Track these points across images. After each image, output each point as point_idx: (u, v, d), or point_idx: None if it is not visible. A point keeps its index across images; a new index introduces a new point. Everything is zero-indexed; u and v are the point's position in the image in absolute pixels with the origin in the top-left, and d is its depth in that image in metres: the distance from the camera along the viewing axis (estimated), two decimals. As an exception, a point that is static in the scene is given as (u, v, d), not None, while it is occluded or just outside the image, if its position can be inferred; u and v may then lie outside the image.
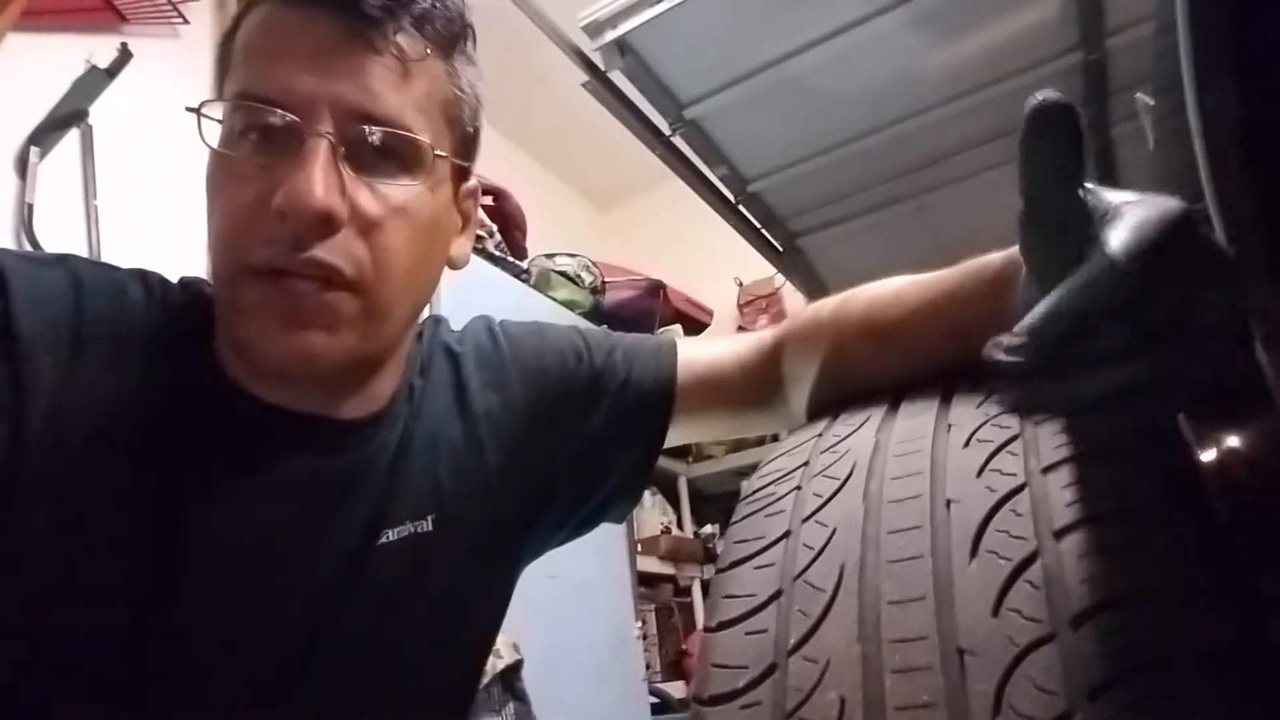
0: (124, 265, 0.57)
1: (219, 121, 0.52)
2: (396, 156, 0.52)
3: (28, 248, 1.59)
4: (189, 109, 0.52)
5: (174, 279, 0.59)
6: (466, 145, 0.59)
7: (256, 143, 0.50)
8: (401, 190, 0.52)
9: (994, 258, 0.47)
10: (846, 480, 0.39)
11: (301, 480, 0.54)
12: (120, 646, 0.48)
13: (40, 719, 0.48)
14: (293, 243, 0.48)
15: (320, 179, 0.47)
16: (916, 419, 0.42)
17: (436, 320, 0.69)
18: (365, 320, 0.51)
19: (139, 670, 0.49)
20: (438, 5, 0.53)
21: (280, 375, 0.52)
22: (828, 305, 0.58)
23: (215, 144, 0.51)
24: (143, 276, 0.56)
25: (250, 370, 0.54)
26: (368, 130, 0.50)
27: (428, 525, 0.59)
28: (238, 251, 0.49)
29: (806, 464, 0.42)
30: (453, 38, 0.55)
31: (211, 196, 0.52)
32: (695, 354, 0.69)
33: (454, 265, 0.60)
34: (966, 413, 0.40)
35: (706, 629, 0.37)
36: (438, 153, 0.54)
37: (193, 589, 0.50)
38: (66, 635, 0.48)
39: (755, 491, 0.43)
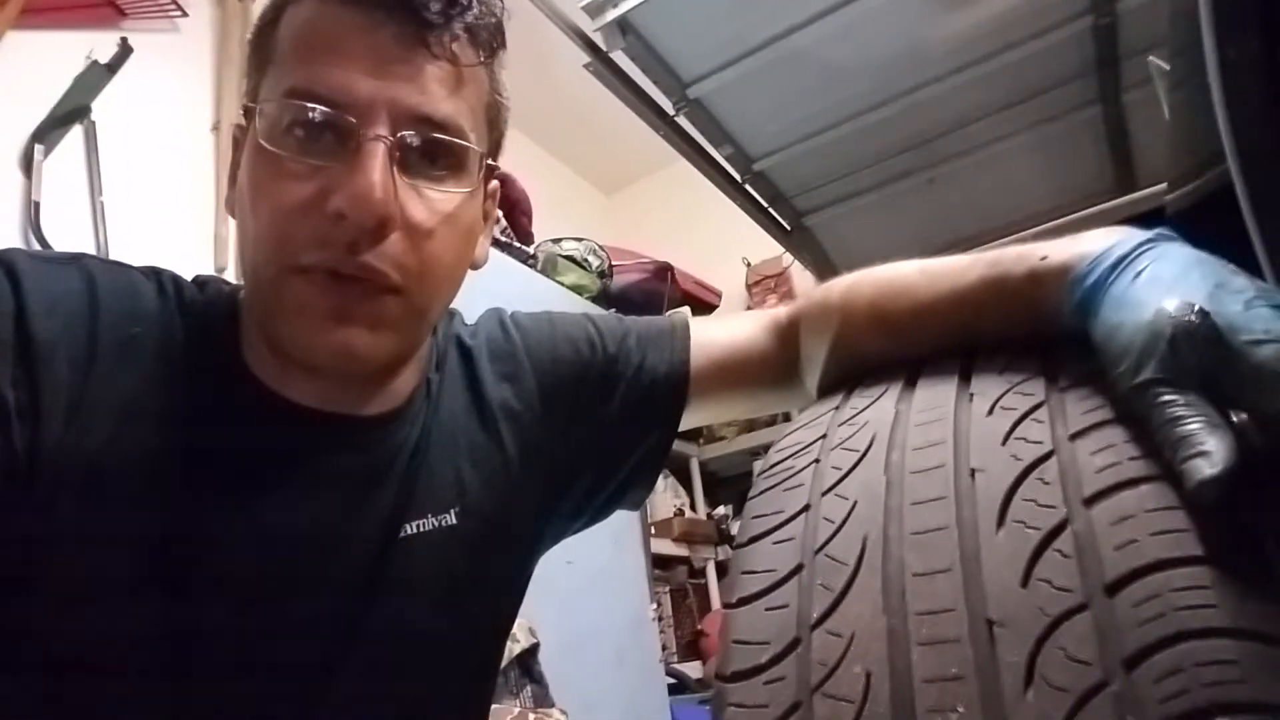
0: (137, 263, 0.56)
1: (254, 109, 0.51)
2: (447, 162, 0.52)
3: (36, 246, 1.59)
4: (247, 105, 0.51)
5: (184, 276, 0.58)
6: (498, 147, 0.60)
7: (304, 141, 0.49)
8: (450, 197, 0.52)
9: (1015, 269, 0.44)
10: (866, 452, 0.38)
11: (327, 477, 0.54)
12: (145, 644, 0.48)
13: (66, 712, 0.48)
14: (346, 246, 0.48)
15: (380, 183, 0.47)
16: (937, 388, 0.41)
17: (450, 314, 0.68)
18: (406, 322, 0.52)
19: (165, 666, 0.49)
20: (484, 12, 0.53)
21: (322, 372, 0.52)
22: (837, 288, 0.57)
23: (260, 140, 0.50)
24: (156, 274, 0.55)
25: (281, 369, 0.53)
26: (423, 136, 0.50)
27: (451, 519, 0.59)
28: (286, 251, 0.49)
29: (825, 437, 0.42)
30: (494, 44, 0.55)
31: (255, 192, 0.50)
32: (709, 335, 0.68)
33: (475, 265, 0.60)
34: (989, 380, 0.39)
35: (726, 605, 0.37)
36: (488, 161, 0.54)
37: (218, 587, 0.50)
38: (92, 633, 0.47)
39: (773, 466, 0.42)
